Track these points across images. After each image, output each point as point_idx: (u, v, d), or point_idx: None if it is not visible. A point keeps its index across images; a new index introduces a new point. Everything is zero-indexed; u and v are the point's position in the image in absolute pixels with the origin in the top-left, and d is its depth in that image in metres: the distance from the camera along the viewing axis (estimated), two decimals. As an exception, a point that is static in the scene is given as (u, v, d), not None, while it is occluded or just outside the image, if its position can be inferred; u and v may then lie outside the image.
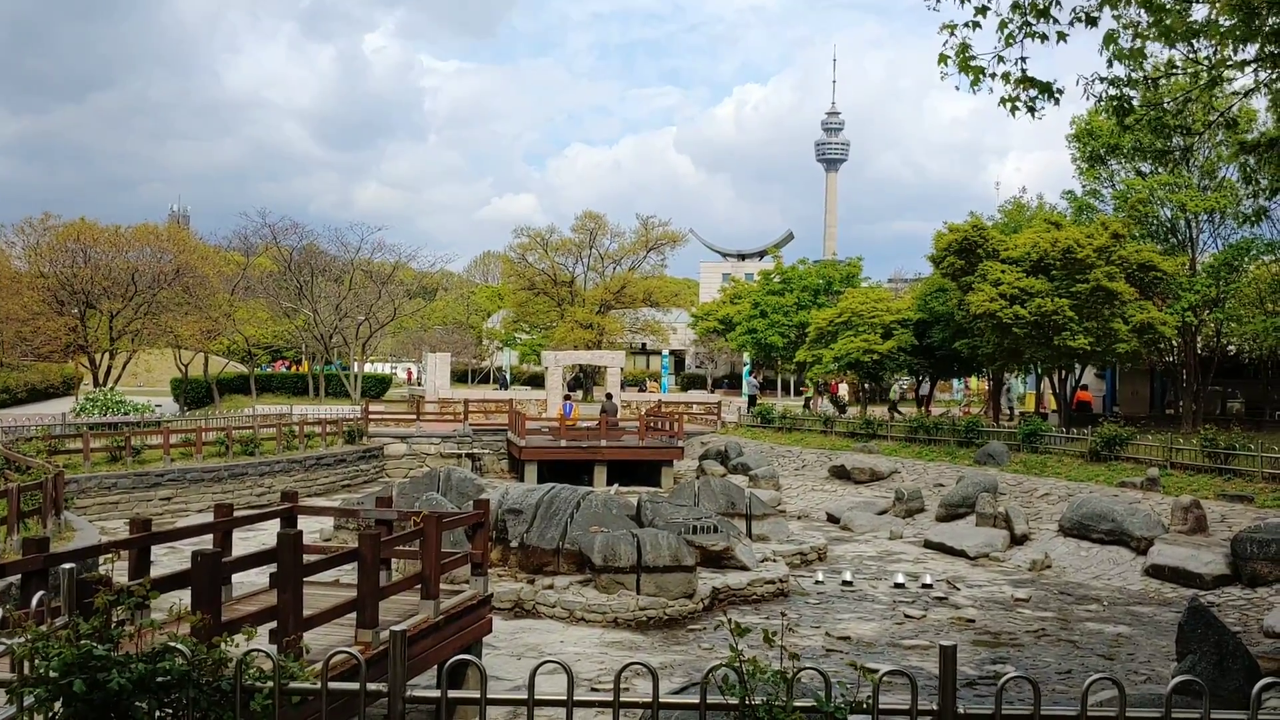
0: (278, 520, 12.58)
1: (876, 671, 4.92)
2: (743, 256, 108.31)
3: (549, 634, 16.42)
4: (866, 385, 53.63)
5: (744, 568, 19.94)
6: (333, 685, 4.50)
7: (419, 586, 10.95)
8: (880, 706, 4.48)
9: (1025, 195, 43.63)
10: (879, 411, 42.52)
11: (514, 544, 19.05)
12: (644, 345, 72.21)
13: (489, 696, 4.49)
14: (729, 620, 5.44)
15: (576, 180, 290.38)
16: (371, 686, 4.51)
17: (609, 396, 40.61)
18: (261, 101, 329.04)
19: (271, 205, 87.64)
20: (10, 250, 48.23)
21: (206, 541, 11.54)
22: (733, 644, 4.65)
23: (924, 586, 21.05)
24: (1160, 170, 34.24)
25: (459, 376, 72.80)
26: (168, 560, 20.27)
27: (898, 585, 21.08)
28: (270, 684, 4.36)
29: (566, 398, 43.40)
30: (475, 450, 39.61)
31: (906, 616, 18.24)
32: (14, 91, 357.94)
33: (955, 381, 64.79)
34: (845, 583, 21.21)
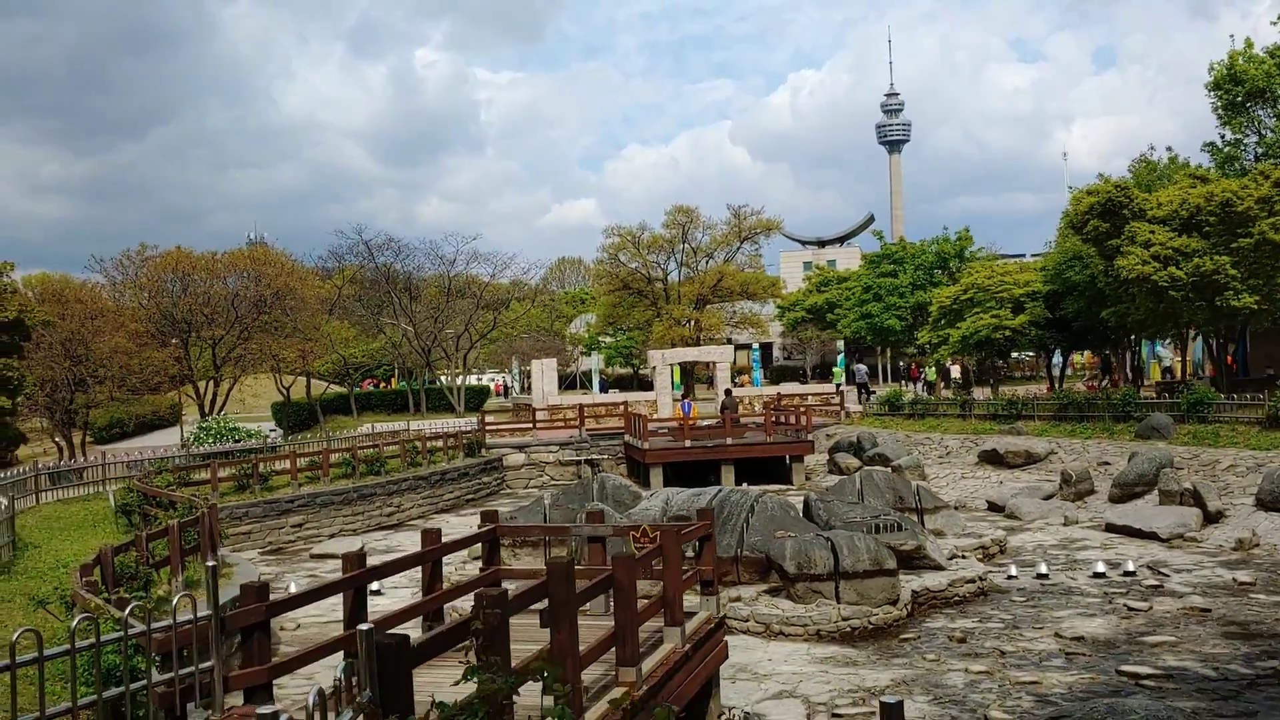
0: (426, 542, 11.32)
1: None
2: (822, 243, 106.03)
3: (750, 651, 15.01)
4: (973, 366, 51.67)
5: (938, 567, 18.35)
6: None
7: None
8: None
9: (1154, 153, 41.22)
10: (984, 393, 40.53)
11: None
12: (728, 339, 70.61)
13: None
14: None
15: (634, 181, 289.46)
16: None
17: (728, 392, 39.14)
18: (318, 124, 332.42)
19: (337, 226, 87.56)
20: (111, 285, 48.18)
21: (417, 572, 10.30)
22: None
23: (1127, 574, 19.31)
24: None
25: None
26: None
27: (1098, 575, 19.34)
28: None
29: (684, 396, 42.01)
30: (593, 456, 38.47)
31: (1130, 609, 16.52)
32: (78, 134, 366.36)
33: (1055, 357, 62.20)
34: (1040, 575, 19.53)
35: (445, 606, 10.84)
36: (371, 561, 11.05)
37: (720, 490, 19.12)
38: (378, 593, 20.64)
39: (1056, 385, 41.60)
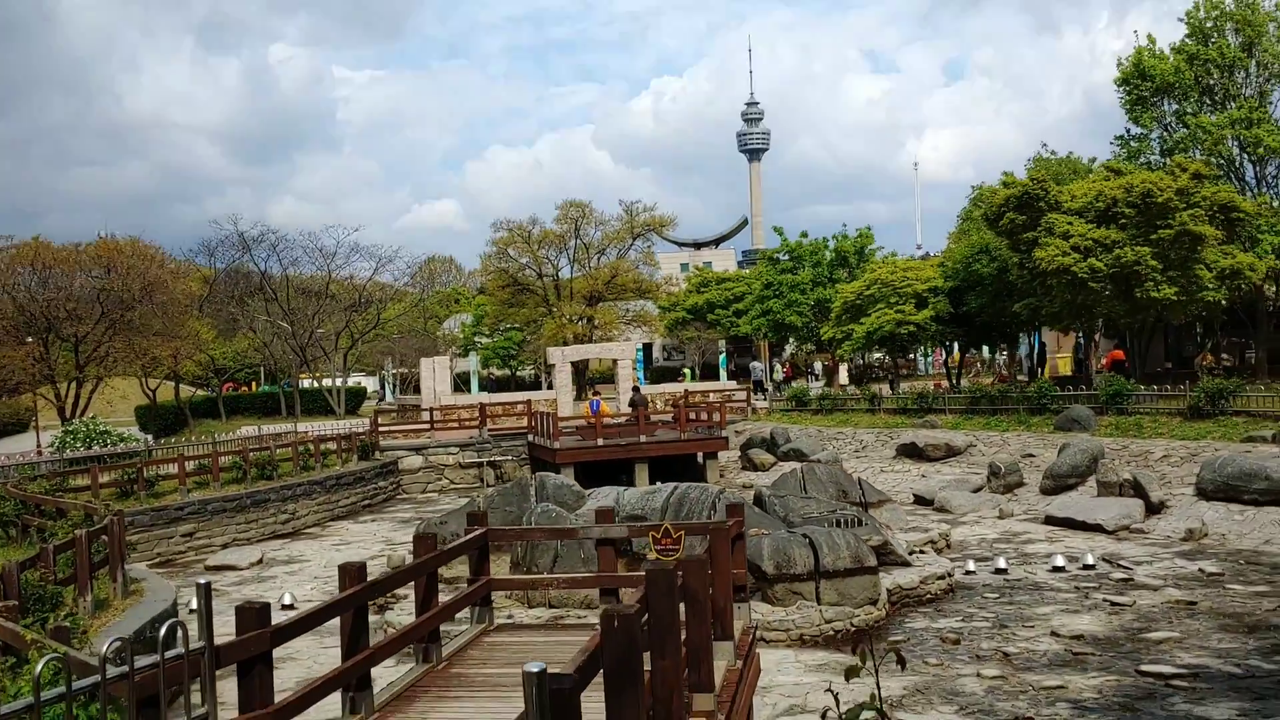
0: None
1: None
2: (698, 245, 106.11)
3: (734, 660, 13.74)
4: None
5: (905, 564, 17.42)
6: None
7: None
8: None
9: (1045, 150, 41.65)
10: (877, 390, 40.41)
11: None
12: (626, 337, 69.20)
13: None
14: None
15: (496, 182, 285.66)
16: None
17: (636, 389, 37.90)
18: (167, 121, 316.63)
19: (185, 227, 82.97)
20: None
21: (327, 582, 8.72)
22: None
23: (1086, 568, 18.77)
24: (1207, 108, 32.51)
25: (416, 386, 69.29)
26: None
27: (1058, 569, 18.75)
28: None
29: (596, 394, 40.58)
30: (495, 458, 36.75)
31: (1115, 605, 15.85)
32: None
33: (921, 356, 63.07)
34: (999, 570, 18.84)
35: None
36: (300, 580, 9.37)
37: (677, 487, 17.85)
38: (290, 607, 18.74)
39: (954, 381, 41.58)
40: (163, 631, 5.85)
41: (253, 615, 6.23)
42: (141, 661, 5.91)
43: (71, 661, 6.53)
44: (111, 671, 5.58)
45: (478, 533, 9.84)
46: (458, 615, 10.05)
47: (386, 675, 8.85)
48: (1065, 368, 43.47)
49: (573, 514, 17.71)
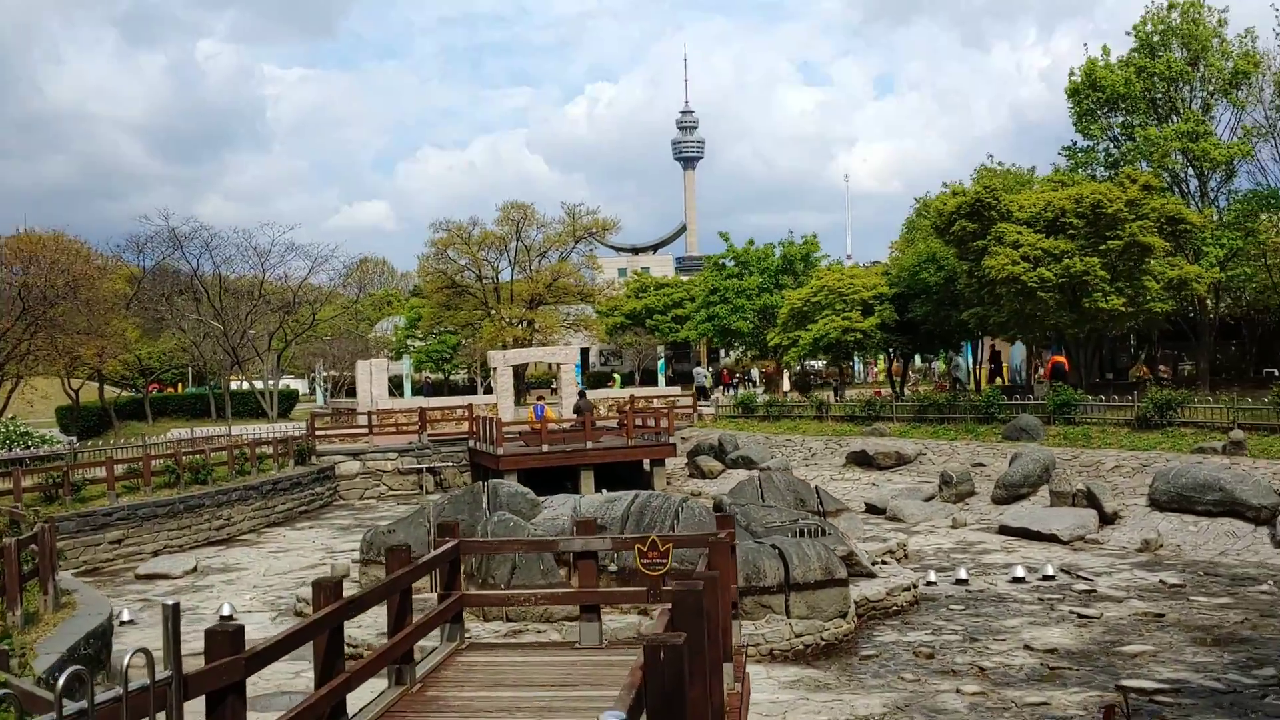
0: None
1: None
2: (636, 251, 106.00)
3: (704, 676, 13.23)
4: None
5: (870, 574, 17.06)
6: None
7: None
8: None
9: (992, 161, 41.94)
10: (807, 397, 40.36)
11: (611, 567, 15.72)
12: (540, 343, 68.54)
13: None
14: None
15: (428, 184, 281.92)
16: None
17: (582, 394, 37.30)
18: (89, 115, 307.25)
19: (109, 224, 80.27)
20: None
21: (246, 594, 8.09)
22: None
23: (1046, 579, 18.60)
24: (1153, 121, 32.84)
25: (350, 389, 67.91)
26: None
27: (1018, 580, 18.56)
28: None
29: (540, 398, 39.87)
30: (435, 464, 35.88)
31: (1082, 617, 15.63)
32: None
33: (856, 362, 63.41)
34: (960, 581, 18.59)
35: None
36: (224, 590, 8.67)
37: (637, 495, 17.29)
38: (229, 618, 17.87)
39: (899, 389, 41.61)
40: (126, 660, 5.19)
41: (225, 640, 5.58)
42: (102, 695, 5.25)
43: (17, 694, 5.81)
44: (69, 707, 4.92)
45: (450, 545, 9.22)
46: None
47: (356, 699, 8.19)
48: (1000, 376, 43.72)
49: (529, 523, 17.09)
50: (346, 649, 11.35)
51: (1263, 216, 30.36)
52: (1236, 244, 29.64)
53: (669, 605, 5.38)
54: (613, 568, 15.74)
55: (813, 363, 54.22)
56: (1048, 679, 12.67)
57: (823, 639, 14.39)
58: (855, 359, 56.99)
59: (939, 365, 56.05)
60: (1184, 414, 26.05)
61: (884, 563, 18.67)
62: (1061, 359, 38.03)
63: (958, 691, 12.19)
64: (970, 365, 46.27)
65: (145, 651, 5.22)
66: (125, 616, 17.75)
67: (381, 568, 18.27)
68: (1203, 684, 12.15)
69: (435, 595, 10.01)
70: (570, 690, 7.86)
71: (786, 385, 50.41)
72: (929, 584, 18.32)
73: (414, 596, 9.31)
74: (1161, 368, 37.90)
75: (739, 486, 22.27)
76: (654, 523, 16.28)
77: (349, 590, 9.64)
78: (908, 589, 16.81)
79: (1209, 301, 32.22)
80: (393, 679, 8.07)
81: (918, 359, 52.30)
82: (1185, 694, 11.80)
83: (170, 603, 5.43)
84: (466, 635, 9.71)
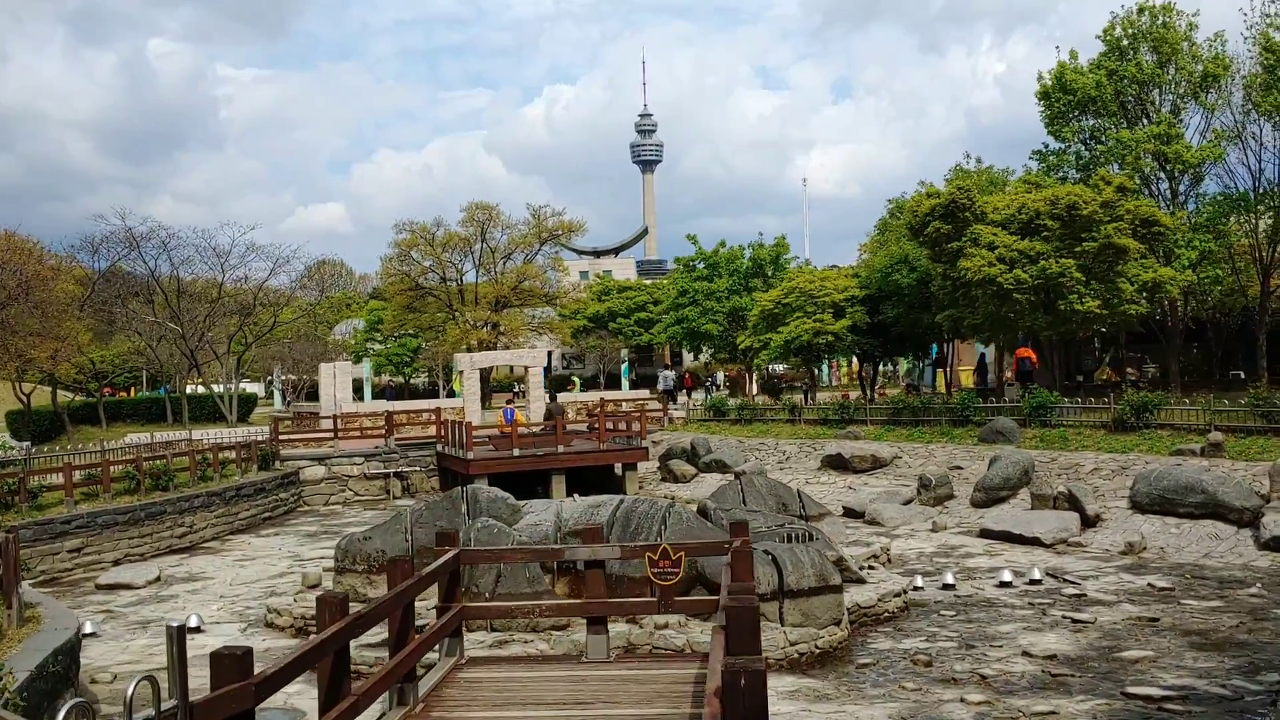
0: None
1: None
2: (598, 254, 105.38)
3: (699, 688, 12.83)
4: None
5: (859, 580, 16.75)
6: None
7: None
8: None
9: (969, 161, 41.92)
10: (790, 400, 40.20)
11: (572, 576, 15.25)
12: (505, 346, 67.97)
13: None
14: None
15: (385, 186, 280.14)
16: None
17: (553, 397, 36.80)
18: (37, 113, 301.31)
19: (58, 225, 78.73)
20: None
21: (213, 605, 7.60)
22: None
23: (1033, 583, 18.39)
24: (1124, 124, 32.92)
25: (309, 393, 66.92)
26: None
27: (1005, 584, 18.32)
28: None
29: (509, 401, 39.30)
30: (402, 469, 35.25)
31: (1076, 622, 15.39)
32: None
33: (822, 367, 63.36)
34: (947, 586, 18.33)
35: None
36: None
37: (622, 500, 16.88)
38: (198, 629, 17.26)
39: (870, 391, 41.49)
40: (130, 690, 4.71)
41: (233, 665, 5.10)
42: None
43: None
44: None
45: (450, 554, 8.76)
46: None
47: (355, 721, 7.70)
48: (968, 380, 43.65)
49: (513, 529, 16.62)
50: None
51: (1232, 219, 30.49)
52: (1208, 246, 29.76)
53: (722, 624, 4.98)
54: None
55: (776, 366, 54.12)
56: (1051, 687, 12.38)
57: (817, 647, 14.05)
58: (826, 361, 56.99)
59: (901, 367, 56.11)
60: (1160, 416, 26.02)
61: (871, 568, 18.38)
62: (1028, 352, 35.99)
63: (962, 700, 11.89)
64: (933, 371, 46.30)
65: (151, 679, 4.75)
66: (88, 629, 17.03)
67: (357, 576, 17.79)
68: (1209, 691, 11.93)
69: (433, 607, 9.54)
70: (585, 709, 7.43)
71: (754, 389, 50.21)
72: (916, 589, 18.02)
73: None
74: (1129, 370, 37.99)
75: (720, 490, 21.94)
76: (640, 528, 15.87)
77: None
78: (899, 595, 16.52)
79: (1178, 304, 32.33)
80: (394, 700, 7.60)
81: (889, 363, 52.43)
82: (1193, 701, 11.56)
83: (174, 624, 4.96)
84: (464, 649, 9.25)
